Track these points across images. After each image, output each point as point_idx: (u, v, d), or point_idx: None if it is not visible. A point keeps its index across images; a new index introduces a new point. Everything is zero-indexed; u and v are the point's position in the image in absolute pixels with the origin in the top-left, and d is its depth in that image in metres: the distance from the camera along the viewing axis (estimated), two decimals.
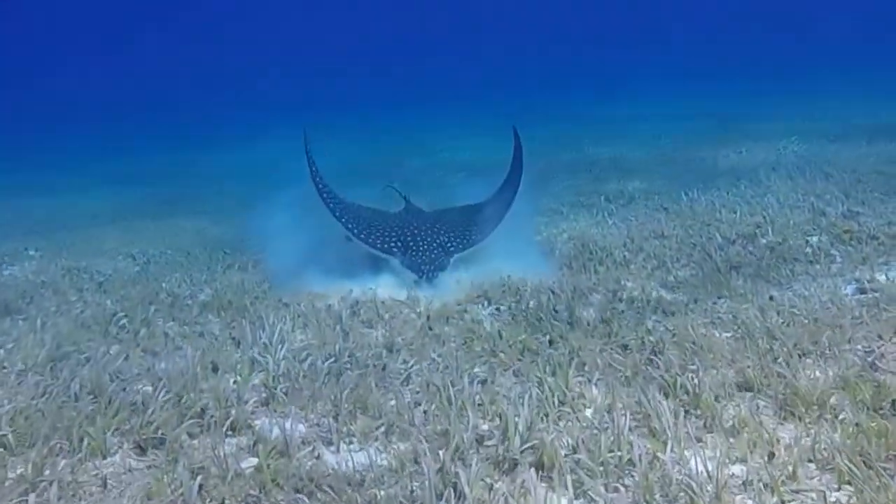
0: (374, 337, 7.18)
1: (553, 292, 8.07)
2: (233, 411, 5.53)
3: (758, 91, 34.41)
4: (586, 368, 5.89)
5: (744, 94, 33.40)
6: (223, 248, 11.87)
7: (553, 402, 5.27)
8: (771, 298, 7.34)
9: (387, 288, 8.56)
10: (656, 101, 34.38)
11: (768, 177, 14.02)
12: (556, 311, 7.44)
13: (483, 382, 5.80)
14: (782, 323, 6.60)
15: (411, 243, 8.84)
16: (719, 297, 7.60)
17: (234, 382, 6.20)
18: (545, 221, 12.14)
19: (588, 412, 5.24)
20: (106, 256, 12.18)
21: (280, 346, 6.72)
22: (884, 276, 7.75)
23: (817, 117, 23.01)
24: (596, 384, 5.56)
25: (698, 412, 5.09)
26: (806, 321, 6.63)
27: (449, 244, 8.91)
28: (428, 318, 7.53)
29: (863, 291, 7.43)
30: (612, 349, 6.24)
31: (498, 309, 7.84)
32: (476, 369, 6.15)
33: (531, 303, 7.81)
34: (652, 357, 5.97)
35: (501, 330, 6.99)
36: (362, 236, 8.84)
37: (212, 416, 5.51)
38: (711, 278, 8.23)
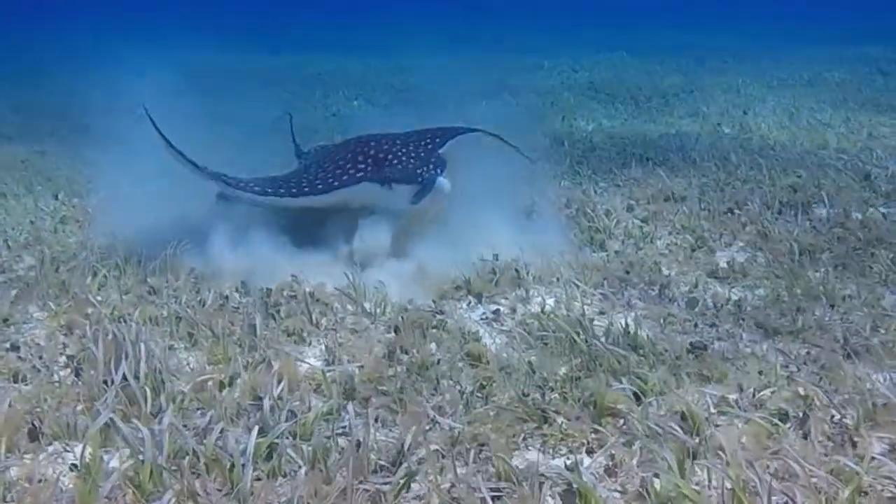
0: (313, 365, 4.45)
1: (576, 284, 5.50)
2: None
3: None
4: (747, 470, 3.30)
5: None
6: (56, 191, 8.69)
7: None
8: None
9: (309, 266, 5.81)
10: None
11: (755, 121, 11.79)
12: (591, 321, 4.90)
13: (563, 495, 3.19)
14: None
15: (382, 157, 6.10)
16: (830, 305, 5.20)
17: (74, 469, 3.39)
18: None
19: None
20: None
21: (157, 394, 3.92)
22: None
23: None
24: None
25: None
26: None
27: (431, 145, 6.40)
28: (395, 330, 4.84)
29: None
30: (747, 415, 3.70)
31: (496, 313, 5.21)
32: (529, 455, 3.53)
33: (547, 302, 5.24)
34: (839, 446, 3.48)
35: (529, 359, 4.38)
36: (318, 182, 6.09)
37: None
38: (783, 267, 5.86)
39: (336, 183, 5.97)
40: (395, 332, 4.84)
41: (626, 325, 4.77)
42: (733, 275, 5.88)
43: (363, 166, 6.05)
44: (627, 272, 5.82)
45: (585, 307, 5.16)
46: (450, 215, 6.49)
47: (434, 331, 4.88)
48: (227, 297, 5.45)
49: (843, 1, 35.33)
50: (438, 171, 5.96)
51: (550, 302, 5.31)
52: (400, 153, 6.08)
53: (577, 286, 5.49)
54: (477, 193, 6.83)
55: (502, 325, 5.08)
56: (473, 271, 5.78)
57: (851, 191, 7.80)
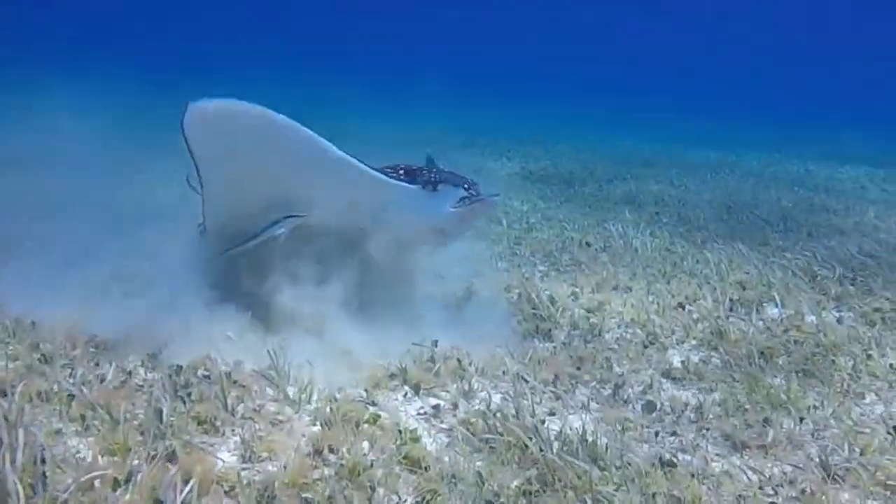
0: (227, 462, 3.84)
1: (525, 379, 5.01)
2: None
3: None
4: None
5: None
6: None
7: None
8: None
9: (230, 341, 5.21)
10: None
11: (694, 213, 11.60)
12: (543, 423, 4.42)
13: None
14: None
15: (415, 169, 5.78)
16: (800, 418, 4.83)
17: None
18: None
19: None
20: None
21: (35, 492, 3.26)
22: None
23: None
24: None
25: None
26: None
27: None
28: (322, 423, 4.27)
29: None
30: None
31: (436, 408, 4.68)
32: None
33: (492, 399, 4.74)
34: None
35: (477, 468, 3.86)
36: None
37: None
38: (741, 371, 5.55)
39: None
40: (323, 425, 4.27)
41: (583, 430, 4.29)
42: (688, 376, 5.50)
43: (395, 176, 5.63)
44: (578, 368, 5.36)
45: (535, 406, 4.67)
46: (380, 294, 5.98)
47: (366, 426, 4.33)
48: (129, 373, 4.81)
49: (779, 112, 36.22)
50: (479, 186, 5.81)
51: (496, 398, 4.81)
52: (433, 169, 5.85)
53: (526, 381, 5.00)
54: (411, 271, 6.36)
55: (442, 422, 4.55)
56: (409, 358, 5.25)
57: (801, 291, 7.51)
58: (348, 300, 5.61)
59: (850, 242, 9.97)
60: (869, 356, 5.98)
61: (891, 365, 5.84)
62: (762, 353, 5.87)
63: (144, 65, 28.96)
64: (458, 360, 5.25)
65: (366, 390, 4.82)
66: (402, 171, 5.68)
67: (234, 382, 4.73)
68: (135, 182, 9.00)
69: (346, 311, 5.58)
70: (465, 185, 5.70)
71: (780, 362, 5.81)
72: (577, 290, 7.25)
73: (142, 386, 4.66)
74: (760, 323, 6.60)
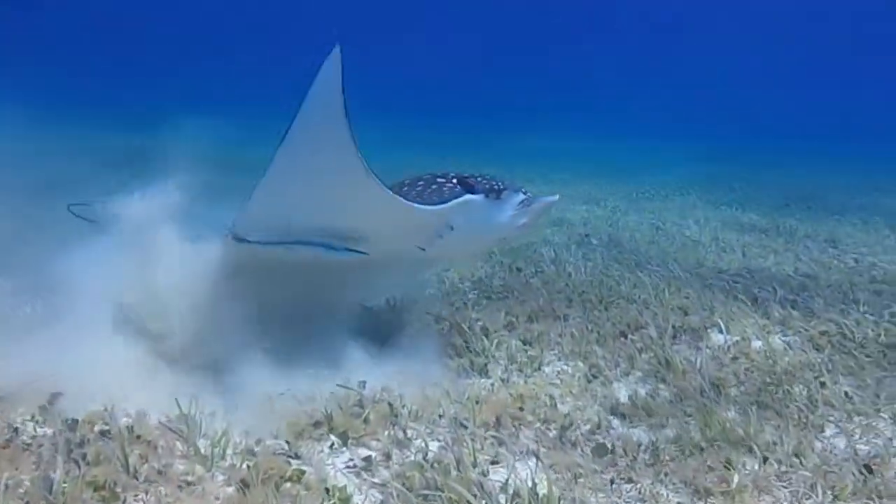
0: None
1: (463, 424, 4.59)
2: None
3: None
4: None
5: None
6: None
7: None
8: None
9: (135, 386, 4.71)
10: None
11: (623, 234, 11.37)
12: (486, 475, 4.03)
13: None
14: None
15: (465, 177, 5.44)
16: (764, 458, 4.51)
17: None
18: None
19: None
20: None
21: None
22: None
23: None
24: None
25: None
26: None
27: None
28: (240, 484, 3.78)
29: None
30: None
31: (367, 460, 4.23)
32: None
33: (428, 448, 4.32)
34: None
35: None
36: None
37: None
38: (693, 404, 5.19)
39: (439, 199, 5.20)
40: (239, 486, 3.79)
41: (533, 482, 3.89)
42: (637, 412, 5.14)
43: (450, 186, 5.33)
44: (521, 408, 4.97)
45: (477, 454, 4.26)
46: (299, 329, 5.53)
47: (289, 484, 3.86)
48: (16, 430, 4.25)
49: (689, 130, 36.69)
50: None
51: (434, 446, 4.38)
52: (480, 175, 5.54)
53: (465, 427, 4.58)
54: (331, 302, 5.94)
55: (375, 476, 4.11)
56: (334, 402, 4.79)
57: (746, 316, 7.26)
58: (263, 336, 5.17)
59: (786, 262, 9.85)
60: (822, 384, 5.71)
61: (846, 393, 5.57)
62: (713, 384, 5.57)
63: None
64: (390, 404, 4.81)
65: (287, 441, 4.34)
66: (454, 179, 5.39)
67: (138, 438, 4.21)
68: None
69: (262, 350, 5.13)
70: (524, 190, 5.47)
71: (733, 393, 5.51)
72: (512, 318, 6.88)
73: (30, 445, 4.12)
74: (707, 351, 6.31)
